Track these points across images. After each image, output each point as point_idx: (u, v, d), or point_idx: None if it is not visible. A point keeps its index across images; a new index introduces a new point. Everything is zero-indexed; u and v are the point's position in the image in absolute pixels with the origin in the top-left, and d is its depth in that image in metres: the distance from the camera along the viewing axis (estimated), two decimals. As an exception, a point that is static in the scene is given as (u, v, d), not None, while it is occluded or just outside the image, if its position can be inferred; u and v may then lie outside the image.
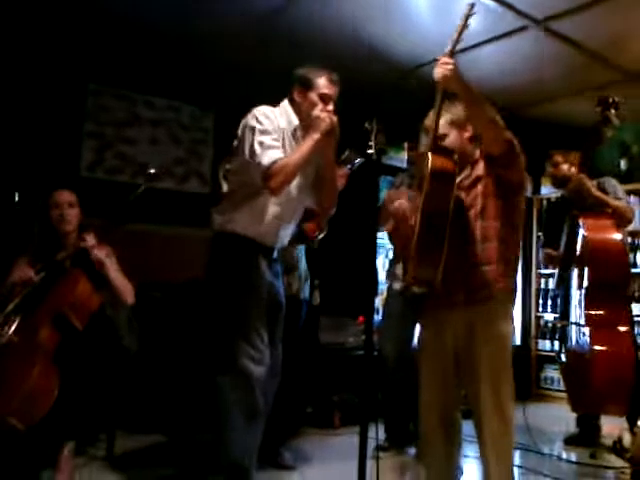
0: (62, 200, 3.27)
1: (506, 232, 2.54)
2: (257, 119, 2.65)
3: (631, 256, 5.16)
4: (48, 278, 3.07)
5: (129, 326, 3.49)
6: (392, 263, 3.96)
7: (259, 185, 2.62)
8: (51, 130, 4.55)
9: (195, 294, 4.26)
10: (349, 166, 3.31)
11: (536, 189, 6.28)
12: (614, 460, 3.57)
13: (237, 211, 2.72)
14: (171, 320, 4.23)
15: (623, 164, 5.83)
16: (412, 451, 3.76)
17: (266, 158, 2.55)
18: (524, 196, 2.64)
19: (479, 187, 2.56)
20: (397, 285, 3.82)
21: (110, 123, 4.90)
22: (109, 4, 3.89)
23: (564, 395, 4.24)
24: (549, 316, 6.06)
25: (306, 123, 2.72)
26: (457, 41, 2.38)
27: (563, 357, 4.03)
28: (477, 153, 2.61)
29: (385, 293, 4.02)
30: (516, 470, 3.36)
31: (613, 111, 3.51)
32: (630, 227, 4.10)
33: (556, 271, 4.07)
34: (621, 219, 3.75)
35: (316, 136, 2.61)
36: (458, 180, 2.58)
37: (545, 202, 6.13)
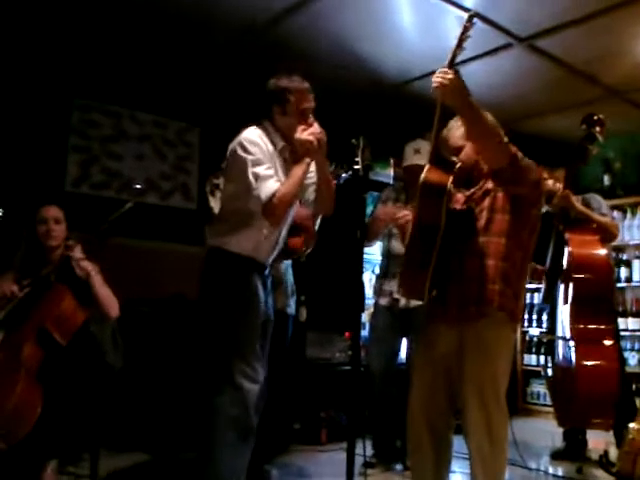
0: (48, 215, 3.24)
1: (511, 250, 2.50)
2: (246, 150, 2.60)
3: (615, 270, 5.20)
4: (33, 293, 3.04)
5: (114, 343, 3.46)
6: (379, 278, 3.96)
7: (255, 213, 2.60)
8: (36, 145, 4.52)
9: (180, 310, 4.24)
10: (335, 181, 3.32)
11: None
12: (601, 474, 3.57)
13: (233, 234, 2.69)
14: (157, 335, 4.19)
15: (606, 179, 5.89)
16: (399, 467, 3.74)
17: (264, 192, 2.52)
18: (537, 214, 2.58)
19: (487, 201, 2.55)
20: (384, 301, 3.83)
21: (96, 138, 4.88)
22: (95, 19, 3.89)
23: (550, 409, 4.26)
24: (535, 331, 6.08)
25: (290, 143, 2.68)
26: (455, 53, 2.35)
27: (550, 371, 4.04)
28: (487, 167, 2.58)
29: (372, 308, 4.01)
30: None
31: (598, 128, 3.54)
32: (614, 242, 4.13)
33: (543, 286, 4.09)
34: (606, 234, 3.79)
35: (307, 161, 2.61)
36: (470, 192, 2.59)
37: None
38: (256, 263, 2.73)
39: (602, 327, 3.64)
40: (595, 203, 3.95)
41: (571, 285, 3.68)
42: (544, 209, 4.35)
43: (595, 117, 3.56)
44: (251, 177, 2.55)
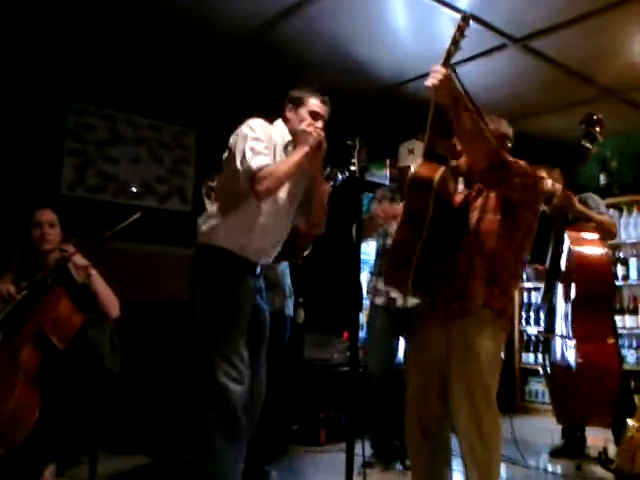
0: (43, 219, 3.25)
1: (501, 249, 2.50)
2: (251, 127, 2.68)
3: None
4: (29, 297, 3.04)
5: (111, 346, 3.46)
6: (373, 278, 3.96)
7: (245, 194, 2.62)
8: (32, 149, 4.52)
9: (176, 312, 4.24)
10: (331, 183, 3.33)
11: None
12: (600, 471, 3.58)
13: (224, 223, 2.70)
14: (153, 338, 4.19)
15: (602, 178, 5.90)
16: (399, 467, 3.75)
17: (255, 162, 2.56)
18: (533, 216, 2.57)
19: (479, 200, 2.57)
20: (379, 300, 3.83)
21: (91, 142, 4.88)
22: (91, 23, 3.90)
23: (549, 407, 4.26)
24: (532, 329, 6.10)
25: (295, 138, 2.75)
26: (449, 52, 2.38)
27: (548, 369, 4.05)
28: None
29: (368, 308, 4.02)
30: (502, 484, 3.37)
31: (598, 128, 3.55)
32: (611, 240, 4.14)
33: (542, 285, 4.09)
34: (605, 233, 3.80)
35: (304, 148, 2.64)
36: (467, 192, 2.63)
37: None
38: (245, 261, 2.72)
39: (603, 325, 3.66)
40: (592, 202, 3.96)
41: (572, 284, 3.69)
42: (542, 209, 4.38)
43: (595, 117, 3.56)
44: (247, 150, 2.59)
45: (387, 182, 5.25)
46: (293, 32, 3.98)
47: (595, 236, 3.78)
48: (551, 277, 3.94)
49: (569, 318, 3.71)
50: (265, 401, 2.89)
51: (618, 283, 5.46)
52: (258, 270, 2.83)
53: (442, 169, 2.48)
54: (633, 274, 5.61)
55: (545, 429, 4.54)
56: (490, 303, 2.48)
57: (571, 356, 3.64)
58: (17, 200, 4.26)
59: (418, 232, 2.42)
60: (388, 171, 5.34)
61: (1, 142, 4.39)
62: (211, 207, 2.92)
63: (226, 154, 2.77)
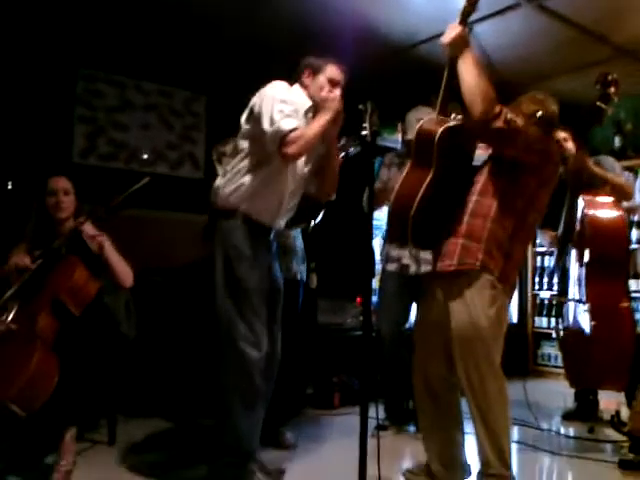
0: (57, 187, 3.25)
1: (501, 212, 2.52)
2: (277, 89, 2.67)
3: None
4: (45, 265, 3.06)
5: (127, 312, 3.49)
6: (386, 244, 3.96)
7: (269, 156, 2.61)
8: (42, 117, 4.52)
9: (194, 278, 4.26)
10: (343, 154, 3.31)
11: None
12: (612, 434, 3.60)
13: (243, 186, 2.68)
14: (171, 304, 4.23)
15: (617, 141, 5.82)
16: (412, 429, 3.79)
17: (285, 125, 2.53)
18: (537, 183, 2.57)
19: (489, 163, 2.62)
20: (392, 267, 3.83)
21: (101, 108, 4.86)
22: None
23: (561, 371, 4.28)
24: (545, 294, 6.10)
25: (316, 105, 2.74)
26: (465, 10, 2.44)
27: (561, 333, 4.06)
28: None
29: (380, 274, 4.02)
30: (514, 445, 3.40)
31: (613, 89, 3.48)
32: (625, 203, 4.10)
33: (555, 249, 4.08)
34: (622, 195, 3.76)
35: (327, 116, 2.62)
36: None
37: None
38: (260, 225, 2.72)
39: (617, 289, 3.65)
40: (607, 165, 3.92)
41: (587, 247, 3.67)
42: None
43: (609, 77, 3.49)
44: (276, 112, 2.57)
45: (399, 146, 5.21)
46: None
47: (609, 199, 3.74)
48: (564, 241, 3.91)
49: (582, 282, 3.70)
50: (280, 365, 2.92)
51: (633, 246, 5.43)
52: (272, 235, 2.84)
53: (448, 123, 2.53)
54: (648, 237, 5.57)
55: (558, 392, 4.57)
56: (487, 266, 2.49)
57: (584, 320, 3.64)
58: (30, 169, 4.28)
59: (419, 180, 2.49)
60: (400, 135, 5.29)
61: (12, 110, 4.39)
62: (224, 170, 2.90)
63: (247, 114, 2.73)
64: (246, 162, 2.72)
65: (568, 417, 4.17)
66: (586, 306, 3.62)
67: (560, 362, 4.51)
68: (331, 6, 4.06)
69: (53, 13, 4.16)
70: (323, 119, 2.62)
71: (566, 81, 5.31)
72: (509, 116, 2.45)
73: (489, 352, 2.50)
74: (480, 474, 2.56)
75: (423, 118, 3.62)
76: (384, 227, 4.19)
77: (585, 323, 3.63)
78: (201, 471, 2.88)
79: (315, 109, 2.74)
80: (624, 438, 3.38)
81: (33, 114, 4.47)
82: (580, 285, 3.73)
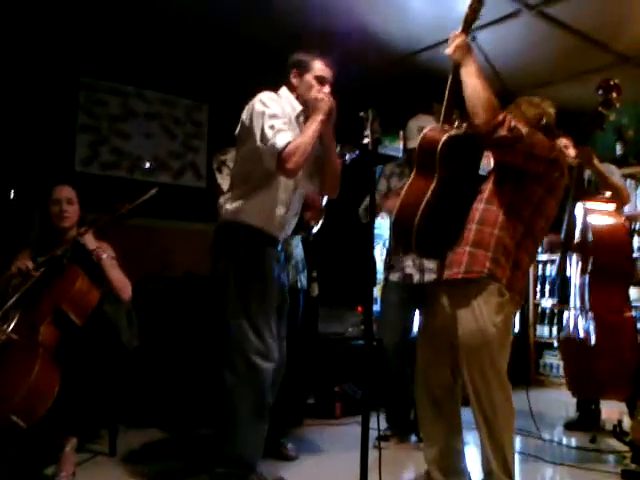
0: (61, 196, 3.25)
1: (508, 220, 2.52)
2: (264, 103, 2.63)
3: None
4: (47, 274, 3.06)
5: (128, 321, 3.49)
6: (389, 254, 3.95)
7: (268, 172, 2.60)
8: (45, 125, 4.52)
9: (194, 287, 4.26)
10: (341, 161, 3.32)
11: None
12: (614, 444, 3.58)
13: (247, 200, 2.68)
14: (172, 313, 4.22)
15: (619, 148, 5.82)
16: (413, 439, 3.77)
17: (279, 141, 2.52)
18: (544, 191, 2.57)
19: (494, 173, 2.62)
20: (395, 276, 3.81)
21: (104, 117, 4.87)
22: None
23: (563, 380, 4.26)
24: (547, 302, 6.08)
25: (306, 106, 2.71)
26: (467, 19, 2.45)
27: (564, 341, 4.04)
28: None
29: (382, 284, 4.01)
30: (517, 456, 3.37)
31: (615, 94, 3.48)
32: (627, 210, 4.10)
33: (557, 257, 4.06)
34: (618, 197, 3.75)
35: (319, 117, 2.60)
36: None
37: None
38: (268, 236, 2.72)
39: (620, 298, 3.64)
40: (608, 172, 3.91)
41: (589, 256, 3.66)
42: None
43: (611, 82, 3.49)
44: (267, 129, 2.55)
45: (400, 154, 5.21)
46: (304, 3, 3.92)
47: (611, 207, 3.74)
48: (565, 248, 3.90)
49: (585, 290, 3.68)
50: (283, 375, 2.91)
51: (635, 255, 5.41)
52: (280, 245, 2.83)
53: (451, 132, 2.52)
54: (650, 245, 5.55)
55: (560, 402, 4.55)
56: (495, 273, 2.49)
57: (586, 329, 3.62)
58: (32, 177, 4.28)
59: (423, 189, 2.48)
60: (401, 143, 5.29)
61: (15, 119, 4.39)
62: (224, 182, 2.90)
63: (239, 131, 2.73)
64: (247, 176, 2.72)
65: (570, 427, 4.15)
66: (589, 315, 3.60)
67: (562, 371, 4.49)
68: (333, 14, 4.07)
69: (55, 22, 4.18)
70: (316, 122, 2.60)
71: (567, 88, 5.32)
72: (512, 124, 2.44)
73: (495, 360, 2.49)
74: (483, 483, 2.55)
75: (424, 126, 3.63)
76: (385, 236, 4.19)
77: (587, 332, 3.61)
78: (202, 481, 2.86)
79: (306, 112, 2.71)
80: (626, 448, 3.36)
81: (35, 123, 4.47)
82: (582, 293, 3.71)
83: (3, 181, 4.27)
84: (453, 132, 2.55)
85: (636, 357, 3.49)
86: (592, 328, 3.55)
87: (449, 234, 2.58)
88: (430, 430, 2.72)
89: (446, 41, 2.49)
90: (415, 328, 3.93)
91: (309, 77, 2.74)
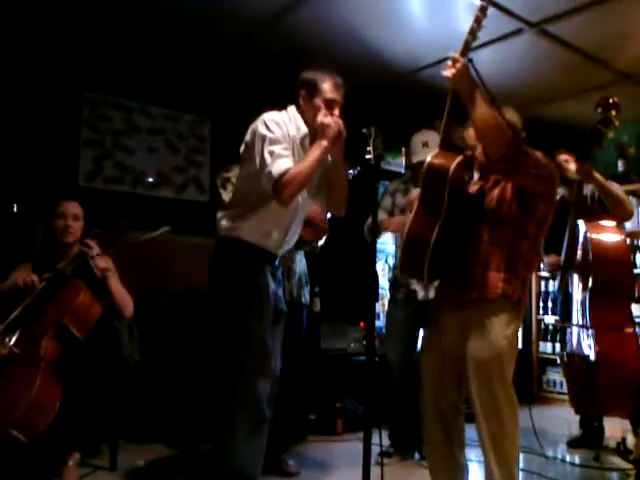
0: (68, 211, 3.26)
1: (517, 239, 2.53)
2: (267, 127, 2.60)
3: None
4: (49, 288, 3.06)
5: (130, 335, 3.49)
6: (394, 271, 3.94)
7: (268, 194, 2.58)
8: (48, 140, 4.55)
9: (196, 302, 4.26)
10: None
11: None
12: (618, 462, 3.56)
13: (245, 219, 2.67)
14: (176, 327, 4.21)
15: (620, 165, 5.83)
16: (417, 457, 3.74)
17: (276, 169, 2.50)
18: (545, 206, 2.58)
19: (496, 191, 2.58)
20: (401, 294, 3.80)
21: (107, 132, 4.90)
22: (104, 13, 3.90)
23: (566, 397, 4.24)
24: (550, 319, 6.06)
25: (313, 130, 2.68)
26: (467, 41, 2.39)
27: (566, 359, 4.02)
28: None
29: (388, 301, 4.00)
30: (520, 473, 3.35)
31: (614, 112, 3.50)
32: (629, 227, 4.10)
33: (558, 273, 4.07)
34: (622, 211, 3.74)
35: (324, 143, 2.58)
36: (483, 183, 2.63)
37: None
38: (266, 253, 2.71)
39: (621, 314, 3.63)
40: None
41: (590, 272, 3.65)
42: (560, 193, 4.34)
43: (611, 100, 3.50)
44: (266, 154, 2.54)
45: (403, 170, 5.23)
46: (306, 20, 3.95)
47: (612, 223, 3.74)
48: (567, 265, 3.90)
49: (586, 307, 3.68)
50: (282, 391, 2.90)
51: (636, 271, 5.41)
52: (277, 261, 2.83)
53: (458, 159, 2.48)
54: (651, 262, 5.54)
55: (563, 419, 4.53)
56: (507, 293, 2.51)
57: (589, 346, 3.61)
58: (36, 192, 4.30)
59: (433, 221, 2.43)
60: (404, 159, 5.31)
61: (19, 133, 4.42)
62: (228, 198, 2.90)
63: (243, 150, 2.73)
64: (247, 195, 2.71)
65: (573, 444, 4.12)
66: (590, 332, 3.59)
67: (565, 388, 4.47)
68: (334, 31, 4.10)
69: (60, 37, 4.21)
70: (317, 150, 2.57)
71: (569, 105, 5.34)
72: (523, 148, 2.46)
73: (504, 374, 2.49)
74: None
75: (429, 140, 3.64)
76: (388, 251, 4.19)
77: (589, 349, 3.60)
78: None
79: (312, 135, 2.68)
80: (630, 466, 3.34)
81: (40, 137, 4.50)
82: (584, 310, 3.70)
83: (6, 195, 4.29)
84: (459, 159, 2.50)
85: (638, 373, 3.47)
86: (593, 345, 3.54)
87: (458, 255, 2.57)
88: (435, 446, 2.70)
89: (448, 59, 2.48)
90: (419, 344, 3.93)
91: (318, 101, 2.68)
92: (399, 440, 3.81)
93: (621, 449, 3.48)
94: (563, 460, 3.88)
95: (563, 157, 4.08)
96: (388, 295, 4.02)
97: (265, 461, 2.75)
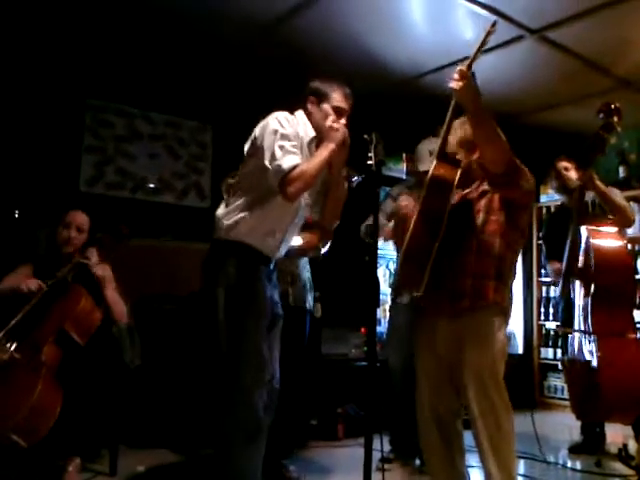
0: (74, 222, 3.27)
1: (504, 248, 2.59)
2: (280, 122, 2.61)
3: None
4: (50, 294, 3.07)
5: (131, 340, 3.49)
6: (395, 276, 3.93)
7: (271, 190, 2.58)
8: (50, 146, 4.56)
9: (198, 307, 4.25)
10: (347, 183, 3.33)
11: (535, 197, 6.27)
12: (620, 468, 3.55)
13: (248, 218, 2.65)
14: (175, 333, 4.21)
15: (621, 171, 5.84)
16: (417, 463, 3.74)
17: (286, 163, 2.50)
18: (527, 217, 2.66)
19: (483, 201, 2.62)
20: (403, 299, 3.79)
21: (109, 138, 4.91)
22: (106, 20, 3.92)
23: (568, 403, 4.23)
24: (551, 324, 6.05)
25: (320, 134, 2.69)
26: (475, 56, 2.39)
27: (567, 364, 4.02)
28: None
29: (389, 306, 4.00)
30: (521, 479, 3.35)
31: (616, 118, 3.50)
32: (630, 233, 4.10)
33: (560, 280, 4.07)
34: (624, 219, 3.75)
35: (331, 146, 2.58)
36: (465, 192, 2.65)
37: (545, 210, 6.16)
38: (262, 256, 2.69)
39: (623, 320, 3.62)
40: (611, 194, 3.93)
41: (592, 278, 3.65)
42: (559, 201, 4.34)
43: (612, 106, 3.50)
44: (277, 148, 2.53)
45: (404, 176, 5.24)
46: (309, 26, 3.97)
47: (613, 229, 3.74)
48: (568, 271, 3.90)
49: (588, 313, 3.67)
50: (283, 396, 2.89)
51: (638, 277, 5.41)
52: (272, 265, 2.81)
53: (459, 171, 2.49)
54: (653, 268, 5.54)
55: (564, 425, 4.52)
56: (498, 300, 2.57)
57: (590, 352, 3.61)
58: (37, 197, 4.31)
59: (434, 233, 2.43)
60: (405, 165, 5.32)
61: (21, 140, 4.44)
62: (230, 200, 2.89)
63: (249, 146, 2.71)
64: (248, 193, 2.69)
65: (575, 450, 4.11)
66: (592, 337, 3.59)
67: (566, 394, 4.46)
68: (337, 37, 4.11)
69: (63, 45, 4.24)
70: (326, 151, 2.58)
71: (569, 111, 5.36)
72: (517, 161, 2.49)
73: (498, 380, 2.51)
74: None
75: (434, 150, 3.63)
76: (389, 258, 4.19)
77: (591, 355, 3.60)
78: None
79: (319, 139, 2.70)
80: (632, 472, 3.34)
81: (41, 143, 4.51)
82: (585, 316, 3.70)
83: (8, 200, 4.30)
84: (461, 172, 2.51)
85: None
86: (595, 351, 3.54)
87: (448, 266, 2.57)
88: (434, 454, 2.70)
89: (449, 65, 2.49)
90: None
91: (327, 107, 2.71)
92: (400, 446, 3.80)
93: (623, 455, 3.47)
94: (564, 466, 3.87)
95: (563, 165, 4.09)
96: (389, 300, 4.01)
97: (266, 467, 2.74)
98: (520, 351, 6.24)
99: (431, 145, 3.67)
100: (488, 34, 2.37)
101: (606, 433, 4.11)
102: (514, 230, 2.61)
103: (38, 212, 4.21)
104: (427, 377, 2.69)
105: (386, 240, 3.78)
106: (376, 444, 2.34)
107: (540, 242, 5.47)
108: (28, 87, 4.49)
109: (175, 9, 3.79)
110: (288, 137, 2.59)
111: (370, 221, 3.75)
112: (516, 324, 6.27)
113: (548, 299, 6.18)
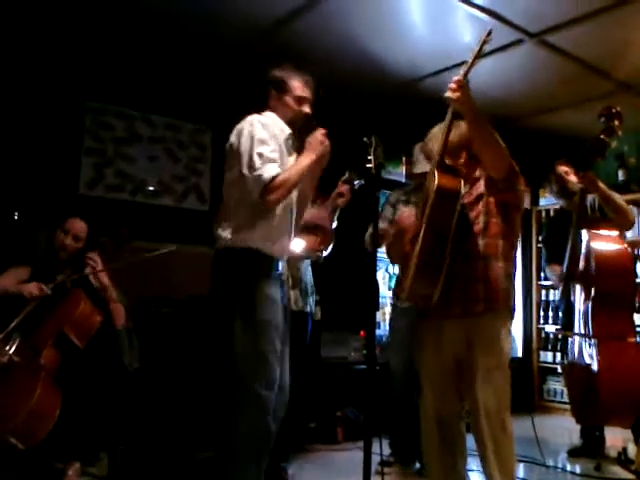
0: (72, 230, 3.28)
1: (506, 249, 2.62)
2: (255, 128, 2.59)
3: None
4: (50, 297, 3.07)
5: (129, 343, 3.48)
6: (397, 280, 3.92)
7: (254, 198, 2.55)
8: (50, 148, 4.56)
9: (196, 311, 4.25)
10: (348, 187, 3.34)
11: (535, 200, 6.29)
12: (619, 472, 3.55)
13: (246, 225, 2.61)
14: (174, 336, 4.21)
15: (621, 175, 5.85)
16: (417, 466, 3.73)
17: (267, 172, 2.49)
18: (520, 218, 2.69)
19: (480, 205, 2.61)
20: (405, 303, 3.78)
21: (109, 140, 4.91)
22: (106, 23, 3.92)
23: (567, 407, 4.23)
24: (551, 328, 6.06)
25: (293, 127, 2.70)
26: (472, 65, 2.40)
27: (567, 368, 4.01)
28: (477, 172, 2.65)
29: (390, 309, 3.99)
30: (521, 483, 3.35)
31: (617, 122, 3.50)
32: (630, 236, 4.10)
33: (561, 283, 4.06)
34: (624, 219, 3.75)
35: (313, 156, 2.59)
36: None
37: (544, 213, 6.17)
38: (271, 259, 2.66)
39: (624, 324, 3.63)
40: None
41: (592, 282, 3.65)
42: (559, 205, 4.34)
43: (613, 110, 3.50)
44: (255, 156, 2.52)
45: (403, 180, 5.24)
46: (308, 29, 3.97)
47: (614, 233, 3.74)
48: (569, 275, 3.90)
49: (588, 316, 3.67)
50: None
51: (639, 280, 5.41)
52: (281, 266, 2.77)
53: (462, 180, 2.49)
54: (653, 271, 5.54)
55: (564, 428, 4.51)
56: (507, 301, 2.61)
57: (590, 355, 3.61)
58: (36, 199, 4.30)
59: (442, 242, 2.43)
60: (405, 168, 5.32)
61: (21, 142, 4.43)
62: (227, 208, 2.87)
63: (228, 152, 2.68)
64: (239, 201, 2.65)
65: (574, 454, 4.11)
66: (592, 341, 3.58)
67: (566, 398, 4.46)
68: (336, 40, 4.12)
69: (63, 47, 4.24)
70: (307, 160, 2.59)
71: (569, 115, 5.36)
72: (515, 165, 2.52)
73: (507, 378, 2.54)
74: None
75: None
76: (388, 260, 4.17)
77: (591, 358, 3.59)
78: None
79: (300, 140, 2.68)
80: (632, 476, 3.34)
81: (41, 146, 4.51)
82: (586, 320, 3.70)
83: (8, 202, 4.29)
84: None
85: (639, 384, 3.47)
86: (595, 354, 3.53)
87: (458, 273, 2.56)
88: (435, 457, 2.69)
89: (448, 68, 2.49)
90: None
91: (288, 99, 2.72)
92: (400, 449, 3.79)
93: (622, 459, 3.47)
94: (564, 470, 3.87)
95: (563, 169, 4.08)
96: (389, 303, 4.01)
97: (265, 470, 2.73)
98: (519, 354, 6.24)
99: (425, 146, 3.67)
100: (484, 43, 2.39)
101: (606, 437, 4.11)
102: (512, 231, 2.65)
103: (38, 214, 4.21)
104: (431, 381, 2.67)
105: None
106: (375, 447, 2.34)
107: (540, 246, 5.48)
108: (28, 89, 4.49)
109: (175, 12, 3.80)
110: (265, 142, 2.57)
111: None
112: (516, 327, 6.26)
113: (547, 303, 6.19)
